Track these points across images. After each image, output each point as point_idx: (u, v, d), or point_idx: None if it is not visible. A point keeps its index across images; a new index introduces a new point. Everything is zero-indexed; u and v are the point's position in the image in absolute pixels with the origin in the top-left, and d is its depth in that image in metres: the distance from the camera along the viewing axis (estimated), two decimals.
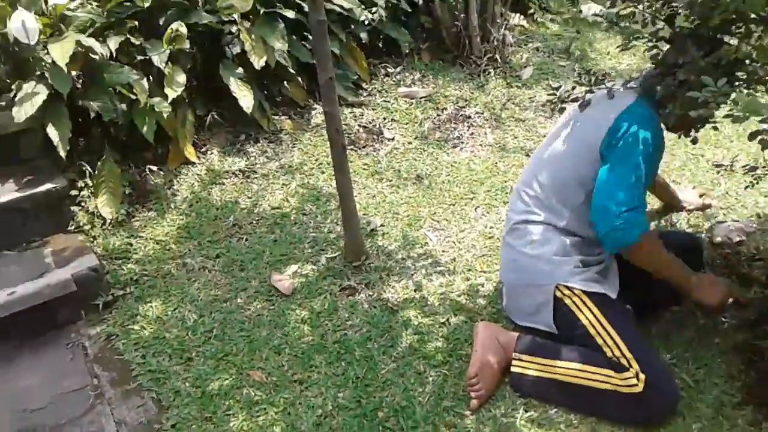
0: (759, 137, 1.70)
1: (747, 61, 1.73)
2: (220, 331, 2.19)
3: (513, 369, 1.95)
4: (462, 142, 3.18)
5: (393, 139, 3.20)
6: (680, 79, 1.77)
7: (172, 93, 2.75)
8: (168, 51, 2.79)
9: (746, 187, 2.22)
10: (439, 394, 1.96)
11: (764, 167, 2.10)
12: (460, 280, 2.37)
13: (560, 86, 1.96)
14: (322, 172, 2.96)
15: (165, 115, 2.76)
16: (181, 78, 2.81)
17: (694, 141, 1.90)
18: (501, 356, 1.96)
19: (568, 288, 1.93)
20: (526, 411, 1.89)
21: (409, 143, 3.18)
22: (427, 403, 1.93)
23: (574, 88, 1.95)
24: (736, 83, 1.72)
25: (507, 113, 3.37)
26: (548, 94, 2.02)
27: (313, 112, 3.33)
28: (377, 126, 3.28)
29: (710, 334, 2.07)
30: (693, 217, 2.58)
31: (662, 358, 1.98)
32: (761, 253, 2.34)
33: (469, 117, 3.35)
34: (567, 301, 1.93)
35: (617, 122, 1.87)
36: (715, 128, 1.86)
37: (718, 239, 2.45)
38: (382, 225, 2.66)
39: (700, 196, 2.64)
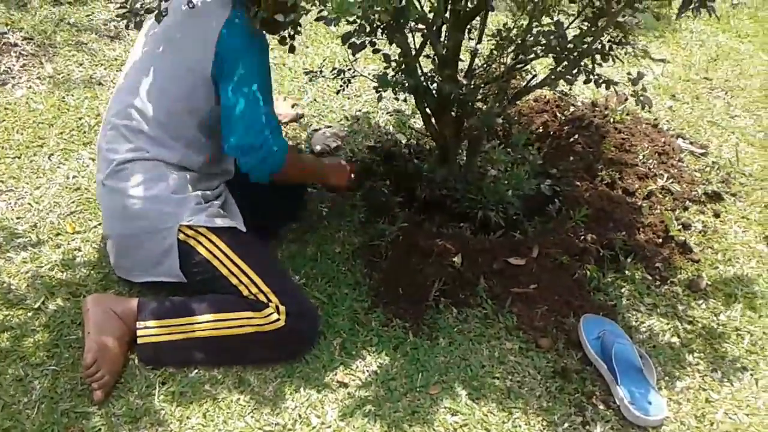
0: (349, 41, 1.65)
1: None
2: None
3: (139, 340, 1.66)
4: (12, 78, 2.56)
5: None
6: None
7: None
8: None
9: (337, 92, 2.23)
10: (51, 398, 1.58)
11: (350, 69, 2.11)
12: (49, 249, 1.92)
13: None
14: None
15: None
16: None
17: (292, 49, 1.77)
18: (122, 330, 1.65)
19: (191, 228, 1.69)
20: (164, 384, 1.64)
21: None
22: (38, 414, 1.54)
23: None
24: None
25: (62, 37, 2.82)
26: (118, 7, 1.65)
27: None
28: None
29: (330, 244, 2.06)
30: (290, 129, 2.53)
31: (295, 282, 1.89)
32: (356, 156, 2.41)
33: (16, 45, 2.71)
34: (192, 242, 1.69)
35: (221, 43, 1.66)
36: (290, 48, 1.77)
37: (318, 147, 2.45)
38: None
39: (292, 106, 2.60)
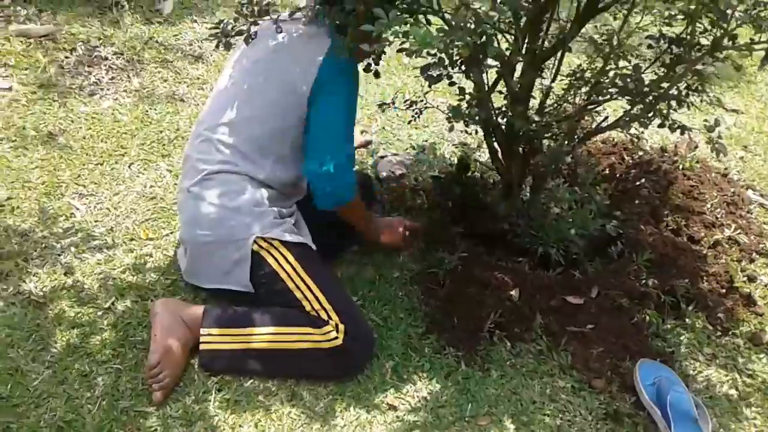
0: (427, 72, 1.70)
1: None
2: None
3: (202, 347, 1.71)
4: (101, 89, 2.71)
5: (10, 88, 2.58)
6: (348, 8, 1.66)
7: None
8: None
9: (408, 122, 2.28)
10: (113, 396, 1.64)
11: (421, 101, 2.16)
12: (123, 253, 2.01)
13: (222, 20, 1.71)
14: None
15: None
16: None
17: (377, 75, 1.83)
18: (187, 336, 1.71)
19: (266, 240, 1.75)
20: (220, 390, 1.69)
21: (33, 93, 2.60)
22: (99, 409, 1.61)
23: (236, 20, 1.72)
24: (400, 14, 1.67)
25: (150, 54, 2.97)
26: (210, 29, 1.75)
27: None
28: None
29: (389, 268, 2.09)
30: (358, 154, 2.59)
31: (355, 303, 1.93)
32: (420, 184, 2.45)
33: (106, 59, 2.87)
34: (264, 254, 1.75)
35: (323, 67, 1.74)
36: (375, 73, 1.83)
37: (383, 174, 2.50)
38: (9, 198, 2.12)
39: (361, 132, 2.66)
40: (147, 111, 2.63)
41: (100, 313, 1.82)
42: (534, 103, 2.00)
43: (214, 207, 1.76)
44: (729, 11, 1.68)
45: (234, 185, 1.78)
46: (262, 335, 1.70)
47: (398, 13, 1.45)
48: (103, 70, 2.81)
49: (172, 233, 2.09)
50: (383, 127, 2.76)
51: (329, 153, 1.75)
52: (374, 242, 2.08)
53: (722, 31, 1.67)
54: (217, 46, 1.67)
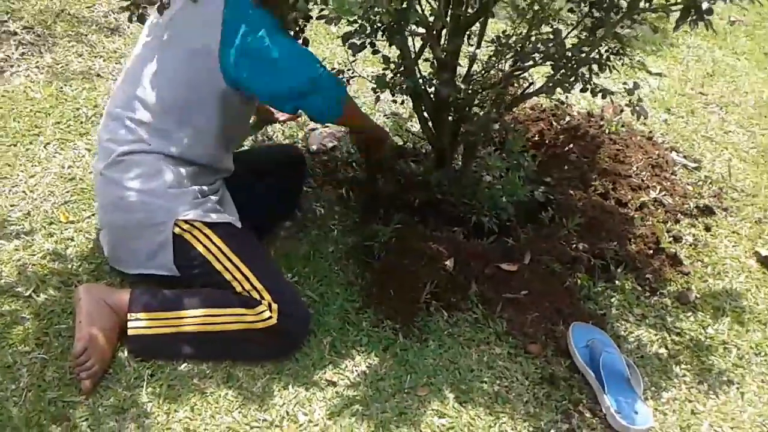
0: (349, 41, 1.66)
1: None
2: None
3: (130, 332, 1.65)
4: (11, 66, 2.55)
5: None
6: None
7: None
8: None
9: None
10: (39, 387, 1.57)
11: (349, 70, 2.12)
12: (42, 238, 1.91)
13: None
14: None
15: None
16: None
17: (306, 42, 1.78)
18: (113, 321, 1.64)
19: (187, 222, 1.69)
20: (152, 376, 1.63)
21: None
22: (26, 402, 1.54)
23: None
24: None
25: (62, 27, 2.81)
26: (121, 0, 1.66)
27: None
28: None
29: (324, 243, 2.07)
30: (287, 127, 2.53)
31: (288, 280, 1.90)
32: (352, 156, 2.42)
33: (15, 33, 2.70)
34: (188, 236, 1.69)
35: (226, 16, 1.64)
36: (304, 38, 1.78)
37: (314, 147, 2.46)
38: None
39: None
40: (62, 88, 2.49)
41: (20, 302, 1.74)
42: (461, 70, 1.99)
43: (128, 191, 1.69)
44: None
45: (147, 166, 1.70)
46: (193, 318, 1.65)
47: None
48: (13, 46, 2.64)
49: (93, 215, 2.00)
50: None
51: (297, 65, 1.69)
52: (384, 141, 2.08)
53: None
54: (130, 20, 1.59)
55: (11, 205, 2.00)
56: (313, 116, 1.83)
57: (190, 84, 1.71)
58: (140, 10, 1.66)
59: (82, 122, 2.35)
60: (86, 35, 2.80)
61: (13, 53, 2.61)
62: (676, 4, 1.58)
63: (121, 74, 1.84)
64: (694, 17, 1.48)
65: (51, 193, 2.06)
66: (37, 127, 2.30)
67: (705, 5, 1.44)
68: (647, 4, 1.68)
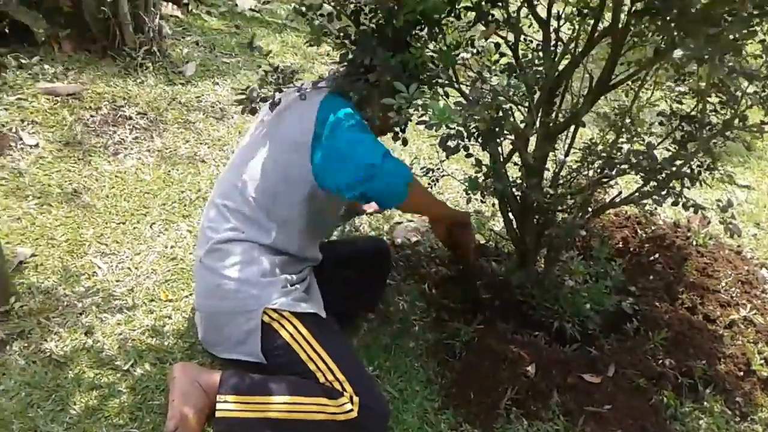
0: (445, 143, 1.74)
1: (430, 65, 1.75)
2: None
3: (218, 414, 1.70)
4: (125, 148, 2.77)
5: (37, 145, 2.65)
6: (372, 81, 1.72)
7: None
8: None
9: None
10: None
11: (438, 168, 2.20)
12: (142, 314, 2.02)
13: (249, 86, 1.76)
14: None
15: None
16: None
17: (405, 142, 1.88)
18: (204, 402, 1.70)
19: (276, 311, 1.76)
20: None
21: (59, 150, 2.66)
22: None
23: (261, 86, 1.78)
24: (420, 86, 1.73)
25: (173, 114, 3.05)
26: (237, 94, 1.81)
27: None
28: (14, 129, 2.67)
29: (405, 338, 2.10)
30: (374, 219, 2.62)
31: (370, 373, 1.93)
32: (435, 252, 2.47)
33: (130, 118, 2.95)
34: (275, 325, 1.76)
35: (320, 112, 1.75)
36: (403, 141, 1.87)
37: (398, 240, 2.53)
38: (33, 255, 2.15)
39: None
40: (169, 171, 2.68)
41: (119, 375, 1.82)
42: (548, 175, 2.04)
43: (223, 278, 1.78)
44: (738, 93, 1.74)
45: (242, 255, 1.78)
46: (279, 404, 1.69)
47: (419, 87, 1.50)
48: (127, 130, 2.88)
49: (191, 295, 2.11)
50: None
51: (360, 150, 1.70)
52: (444, 231, 2.04)
53: (732, 111, 1.72)
54: (243, 112, 1.72)
55: (117, 281, 2.13)
56: (378, 201, 1.77)
57: (283, 176, 1.80)
58: (252, 105, 1.80)
59: (185, 205, 2.51)
60: (194, 123, 3.02)
61: (127, 136, 2.84)
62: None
63: (227, 164, 1.97)
64: None
65: (153, 271, 2.19)
66: (145, 207, 2.47)
67: None
68: (741, 123, 1.71)
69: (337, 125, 1.73)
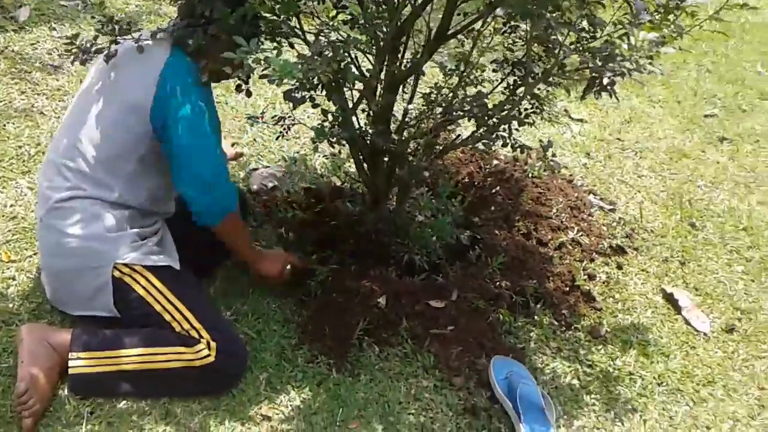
0: (291, 95, 1.78)
1: (271, 15, 1.76)
2: None
3: (70, 371, 1.71)
4: None
5: None
6: (211, 33, 1.71)
7: None
8: None
9: (277, 138, 2.34)
10: None
11: (289, 116, 2.23)
12: None
13: (78, 34, 1.68)
14: None
15: None
16: None
17: (248, 94, 1.88)
18: (55, 360, 1.70)
19: (127, 266, 1.76)
20: (92, 413, 1.70)
21: None
22: None
23: (96, 37, 1.72)
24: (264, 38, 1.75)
25: (5, 64, 2.84)
26: (65, 43, 1.72)
27: None
28: None
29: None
30: (229, 167, 2.61)
31: (226, 318, 1.98)
32: (292, 196, 2.53)
33: None
34: (127, 279, 1.76)
35: (162, 85, 1.73)
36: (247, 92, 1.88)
37: (255, 187, 2.55)
38: None
39: (232, 145, 2.70)
40: (4, 125, 2.52)
41: None
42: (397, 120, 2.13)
43: (67, 237, 1.75)
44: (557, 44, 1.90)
45: (85, 212, 1.76)
46: (133, 356, 1.72)
47: (259, 41, 1.52)
48: None
49: (35, 254, 2.05)
50: (254, 139, 2.81)
51: (200, 167, 1.77)
52: (253, 267, 2.04)
53: (553, 59, 1.87)
54: (72, 62, 1.66)
55: None
56: (193, 213, 1.83)
57: (123, 136, 1.77)
58: (84, 56, 1.73)
59: (24, 161, 2.39)
60: (29, 72, 2.84)
61: None
62: (587, 67, 1.76)
63: (63, 118, 1.90)
64: (598, 88, 1.67)
65: None
66: None
67: (606, 80, 1.62)
68: (560, 71, 1.86)
69: (186, 121, 1.74)
